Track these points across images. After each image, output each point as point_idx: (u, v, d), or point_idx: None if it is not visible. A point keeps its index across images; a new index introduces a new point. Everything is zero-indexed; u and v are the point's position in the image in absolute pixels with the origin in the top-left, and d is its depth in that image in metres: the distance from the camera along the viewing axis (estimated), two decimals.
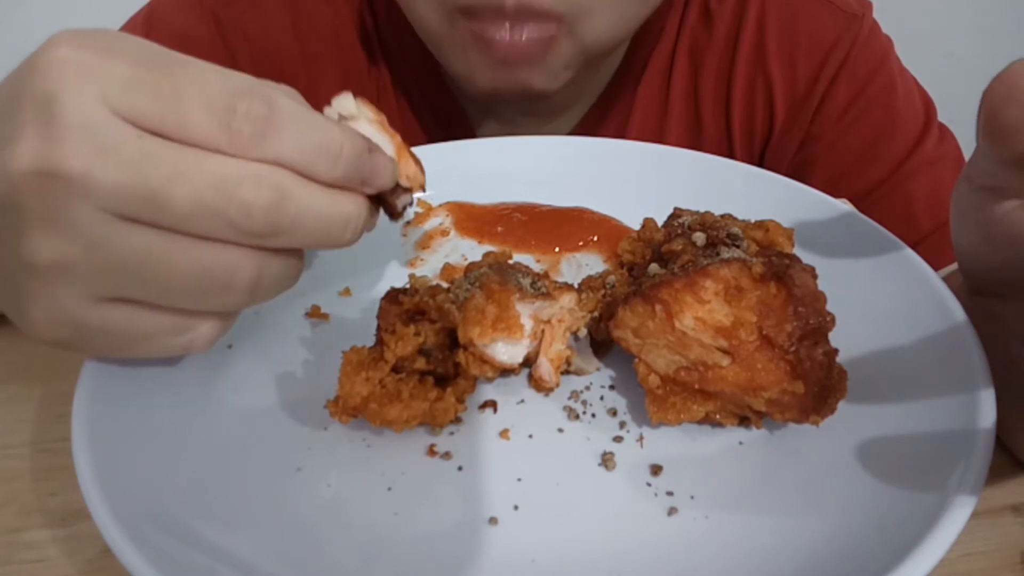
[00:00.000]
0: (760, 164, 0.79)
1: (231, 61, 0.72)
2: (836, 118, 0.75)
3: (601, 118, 0.79)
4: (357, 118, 0.39)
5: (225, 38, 0.72)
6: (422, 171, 0.41)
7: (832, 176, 0.76)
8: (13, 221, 0.32)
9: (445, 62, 0.67)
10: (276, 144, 0.33)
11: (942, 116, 0.77)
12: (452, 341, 0.41)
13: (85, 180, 0.30)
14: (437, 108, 0.78)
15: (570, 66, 0.65)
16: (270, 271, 0.35)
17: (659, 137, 0.78)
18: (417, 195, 0.42)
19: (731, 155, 0.78)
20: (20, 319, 0.36)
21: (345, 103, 0.39)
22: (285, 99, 0.34)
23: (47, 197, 0.31)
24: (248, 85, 0.33)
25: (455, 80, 0.70)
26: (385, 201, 0.40)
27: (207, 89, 0.32)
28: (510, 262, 0.49)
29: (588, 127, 0.79)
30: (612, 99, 0.78)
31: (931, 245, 0.70)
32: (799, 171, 0.77)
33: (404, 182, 0.40)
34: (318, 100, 0.37)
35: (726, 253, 0.40)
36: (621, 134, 0.78)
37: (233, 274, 0.34)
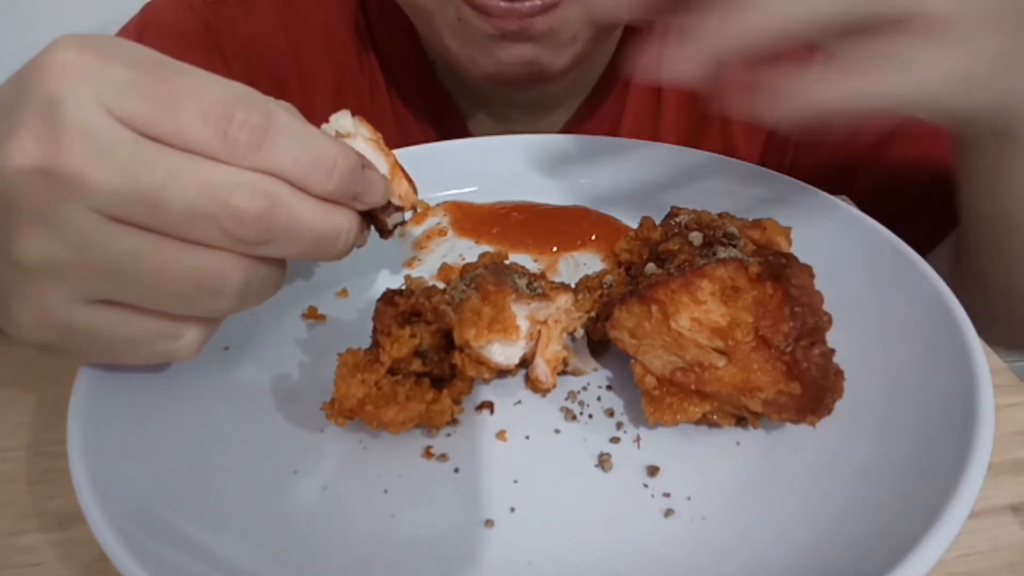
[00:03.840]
0: (765, 148, 0.78)
1: (224, 64, 0.72)
2: None
3: (595, 111, 0.79)
4: (353, 136, 0.40)
5: (217, 41, 0.72)
6: (415, 191, 0.42)
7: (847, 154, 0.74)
8: (4, 219, 0.32)
9: (443, 46, 0.65)
10: (271, 154, 0.33)
11: None
12: (448, 343, 0.41)
13: (79, 180, 0.30)
14: (430, 105, 0.78)
15: (578, 39, 0.63)
16: (258, 277, 0.35)
17: (654, 128, 0.78)
18: (409, 212, 0.42)
19: (731, 143, 0.78)
20: (6, 320, 0.35)
21: (343, 120, 0.40)
22: (282, 111, 0.34)
23: (40, 196, 0.31)
24: (246, 94, 0.33)
25: (457, 70, 0.69)
26: (376, 219, 0.41)
27: (205, 96, 0.32)
28: (506, 262, 0.49)
29: (582, 120, 0.79)
30: (606, 92, 0.78)
31: None
32: (810, 148, 0.76)
33: (396, 201, 0.41)
34: (311, 100, 0.38)
35: (723, 253, 0.40)
36: (615, 127, 0.78)
37: (222, 279, 0.34)
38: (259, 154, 0.32)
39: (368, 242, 0.41)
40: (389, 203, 0.40)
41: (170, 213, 0.32)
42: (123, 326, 0.35)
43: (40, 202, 0.31)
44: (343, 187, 0.35)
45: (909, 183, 0.72)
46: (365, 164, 0.37)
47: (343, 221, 0.36)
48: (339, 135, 0.39)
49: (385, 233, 0.42)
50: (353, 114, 0.40)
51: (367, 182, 0.37)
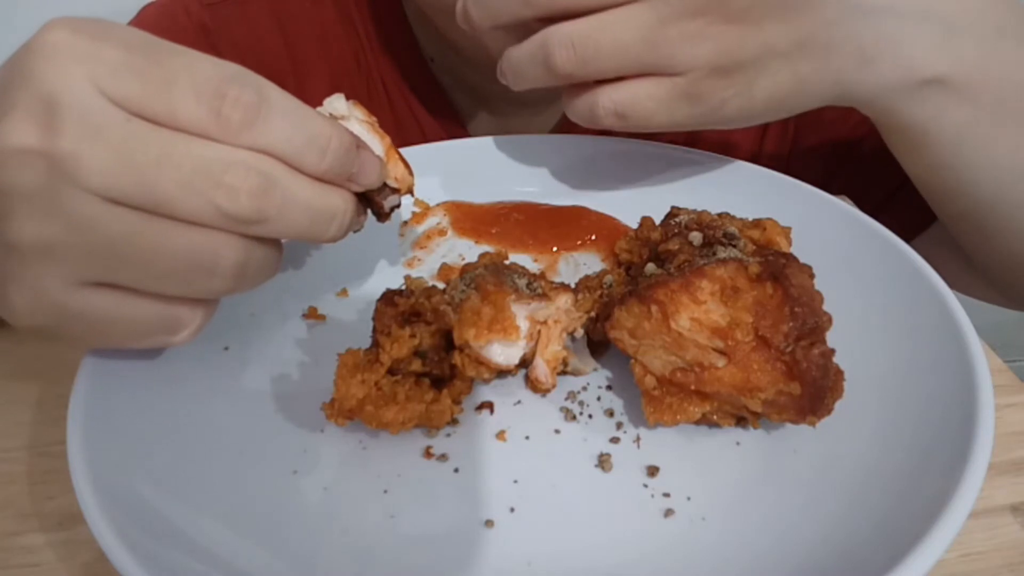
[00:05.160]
0: (766, 130, 0.78)
1: None
2: None
3: None
4: (348, 118, 0.39)
5: (213, 43, 0.72)
6: (411, 174, 0.41)
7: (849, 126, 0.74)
8: None
9: (468, 43, 0.64)
10: (264, 132, 0.33)
11: None
12: (448, 343, 0.41)
13: (72, 160, 0.30)
14: (427, 102, 0.78)
15: None
16: (254, 258, 0.35)
17: None
18: (406, 197, 0.42)
19: (729, 132, 0.77)
20: (1, 304, 0.35)
21: (336, 103, 0.39)
22: (275, 89, 0.34)
23: (34, 177, 0.31)
24: (238, 73, 0.33)
25: (490, 61, 0.68)
26: (372, 201, 0.40)
27: (197, 75, 0.32)
28: (506, 263, 0.49)
29: None
30: None
31: None
32: (812, 125, 0.76)
33: (392, 183, 0.40)
34: (308, 99, 0.37)
35: (723, 252, 0.40)
36: None
37: (217, 258, 0.34)
38: (252, 132, 0.32)
39: (365, 227, 0.40)
40: (385, 185, 0.40)
41: (164, 192, 0.31)
42: (118, 309, 0.35)
43: (34, 183, 0.31)
44: (337, 166, 0.35)
45: None
46: (360, 145, 0.37)
47: (338, 201, 0.36)
48: (333, 118, 0.39)
49: (382, 216, 0.41)
50: (346, 98, 0.40)
51: (362, 162, 0.37)
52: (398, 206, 0.42)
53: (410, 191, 0.42)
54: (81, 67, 0.31)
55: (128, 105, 0.31)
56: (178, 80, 0.32)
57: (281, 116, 0.33)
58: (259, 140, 0.33)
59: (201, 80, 0.32)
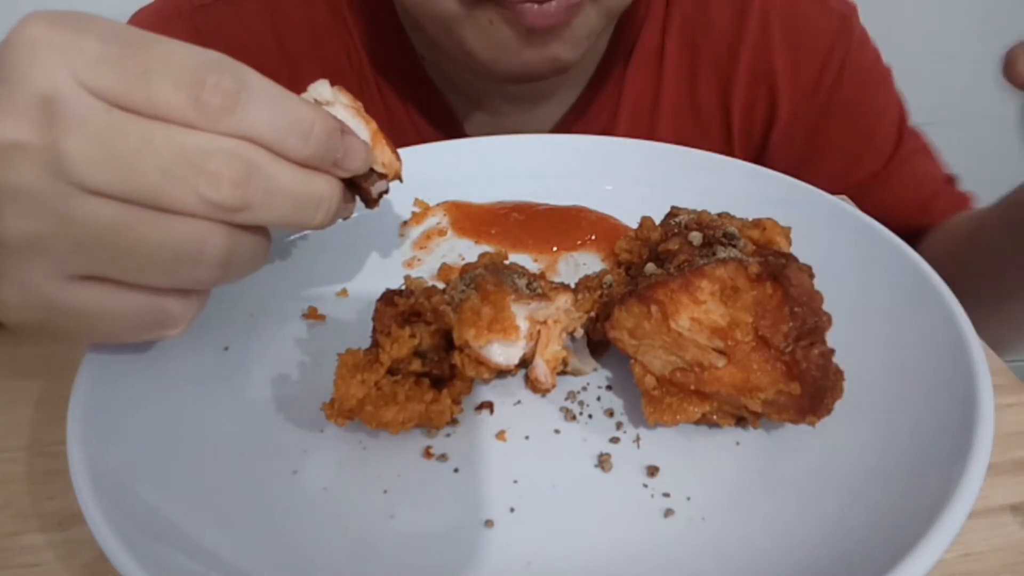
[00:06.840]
0: (760, 156, 0.79)
1: None
2: (844, 113, 0.77)
3: (589, 104, 0.79)
4: (333, 104, 0.39)
5: (206, 45, 0.72)
6: (398, 159, 0.41)
7: (834, 170, 0.78)
8: None
9: (467, 49, 0.65)
10: (245, 118, 0.32)
11: (944, 116, 0.79)
12: (448, 343, 0.41)
13: (54, 153, 0.30)
14: (421, 100, 0.78)
15: (593, 33, 0.64)
16: (240, 246, 0.35)
17: (650, 121, 0.78)
18: (401, 190, 0.42)
19: (730, 145, 0.79)
20: None
21: (321, 89, 0.39)
22: (255, 75, 0.33)
23: (16, 171, 0.31)
24: (217, 60, 0.33)
25: (471, 71, 0.68)
26: (360, 187, 0.40)
27: (175, 63, 0.32)
28: (506, 263, 0.49)
29: (577, 113, 0.79)
30: (600, 84, 0.78)
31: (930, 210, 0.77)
32: (801, 165, 0.77)
33: (379, 168, 0.40)
34: None
35: (722, 252, 0.40)
36: (611, 119, 0.78)
37: (202, 248, 0.33)
38: (232, 118, 0.32)
39: (355, 218, 0.40)
40: (372, 171, 0.39)
41: (146, 182, 0.31)
42: (106, 302, 0.35)
43: (17, 177, 0.31)
44: (321, 151, 0.35)
45: (905, 210, 0.75)
46: (345, 130, 0.37)
47: (324, 187, 0.36)
48: (318, 104, 0.38)
49: (370, 202, 0.41)
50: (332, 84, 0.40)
51: (347, 147, 0.36)
52: (386, 192, 0.41)
53: (398, 177, 0.41)
54: (60, 59, 0.31)
55: (108, 96, 0.31)
56: (156, 69, 0.31)
57: (261, 101, 0.33)
58: (240, 126, 0.32)
59: (179, 68, 0.32)
